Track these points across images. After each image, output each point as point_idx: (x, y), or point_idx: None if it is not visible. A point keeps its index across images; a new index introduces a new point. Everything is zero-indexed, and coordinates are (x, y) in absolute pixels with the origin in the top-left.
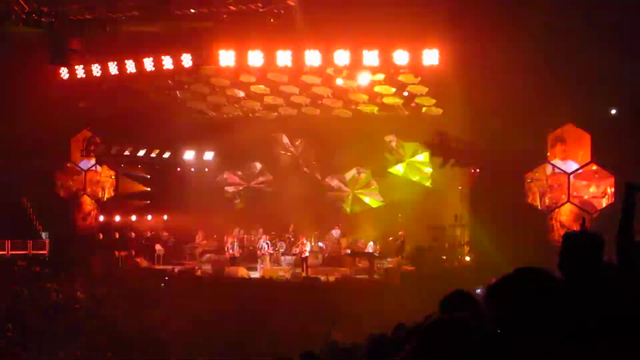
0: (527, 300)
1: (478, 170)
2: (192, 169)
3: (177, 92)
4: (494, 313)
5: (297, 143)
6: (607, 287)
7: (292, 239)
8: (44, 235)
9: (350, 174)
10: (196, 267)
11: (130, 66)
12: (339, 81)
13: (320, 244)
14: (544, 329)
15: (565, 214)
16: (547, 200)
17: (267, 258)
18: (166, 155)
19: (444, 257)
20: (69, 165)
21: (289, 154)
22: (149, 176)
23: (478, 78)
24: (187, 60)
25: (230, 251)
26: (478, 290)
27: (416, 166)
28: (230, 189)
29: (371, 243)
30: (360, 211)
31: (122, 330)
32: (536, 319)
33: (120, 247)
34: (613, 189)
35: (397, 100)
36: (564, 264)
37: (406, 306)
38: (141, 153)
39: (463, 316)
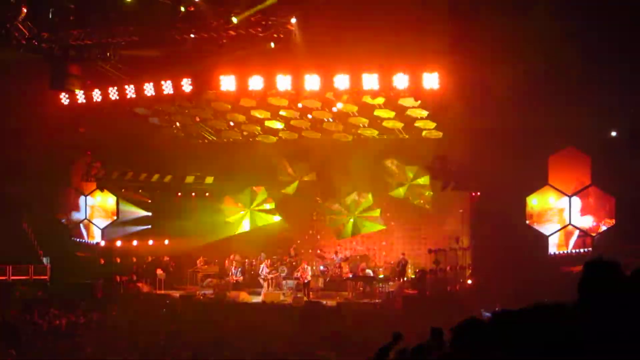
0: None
1: (478, 193)
2: (193, 194)
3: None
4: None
5: (297, 167)
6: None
7: (293, 263)
8: (45, 260)
9: (351, 197)
10: (198, 292)
11: (131, 91)
12: (339, 105)
13: (322, 267)
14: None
15: (567, 236)
16: (547, 223)
17: (269, 282)
18: (167, 179)
19: (446, 281)
20: (69, 190)
21: (289, 178)
22: (149, 201)
23: (478, 101)
24: (187, 85)
25: (235, 276)
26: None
27: (417, 190)
28: (230, 213)
29: (368, 271)
30: (361, 235)
31: (124, 356)
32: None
33: (121, 272)
34: (614, 210)
35: (397, 124)
36: (584, 292)
37: (408, 330)
38: (142, 177)
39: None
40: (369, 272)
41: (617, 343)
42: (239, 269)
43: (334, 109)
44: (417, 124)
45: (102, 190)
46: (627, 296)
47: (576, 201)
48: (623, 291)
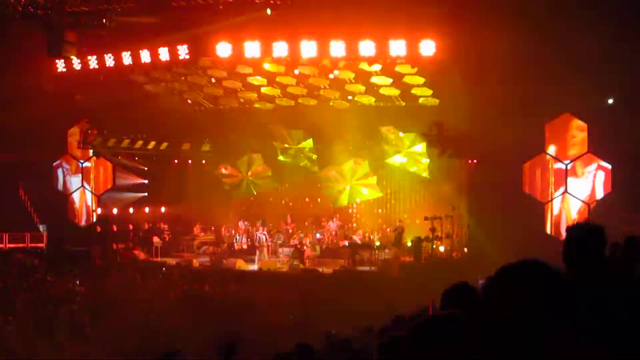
0: (530, 294)
1: (475, 160)
2: (189, 161)
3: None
4: (493, 306)
5: (294, 134)
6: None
7: (290, 231)
8: (41, 228)
9: (348, 165)
10: (194, 259)
11: (127, 58)
12: (336, 72)
13: (318, 235)
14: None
15: (563, 205)
16: (544, 191)
17: (265, 250)
18: (163, 147)
19: (442, 248)
20: (66, 157)
21: (286, 145)
22: (146, 168)
23: (475, 68)
24: (183, 51)
25: (238, 242)
26: (480, 281)
27: (414, 157)
28: (227, 181)
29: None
30: (358, 202)
31: (121, 323)
32: (538, 312)
33: (118, 240)
34: (611, 178)
35: (394, 91)
36: (568, 256)
37: (405, 297)
38: (138, 145)
39: (455, 313)
40: (369, 237)
41: (602, 307)
42: (243, 236)
43: (331, 76)
44: (414, 91)
45: (98, 157)
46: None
47: (573, 168)
48: (604, 255)
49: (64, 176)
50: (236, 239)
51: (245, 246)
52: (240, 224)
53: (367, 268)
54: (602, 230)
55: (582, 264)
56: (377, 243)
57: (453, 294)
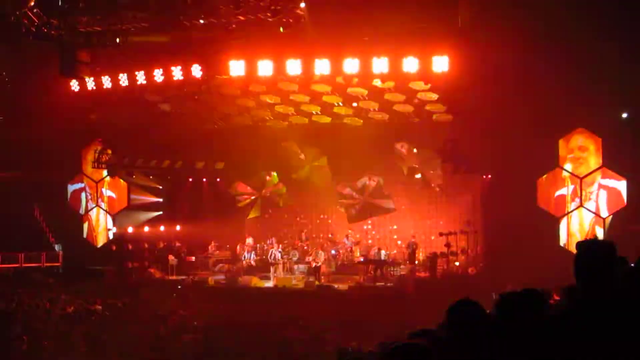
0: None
1: (489, 176)
2: (204, 179)
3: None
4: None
5: (308, 152)
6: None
7: (305, 248)
8: (57, 247)
9: (362, 181)
10: (209, 277)
11: (141, 77)
12: (349, 89)
13: (333, 251)
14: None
15: (578, 219)
16: (558, 205)
17: (280, 267)
18: (177, 165)
19: (457, 263)
20: (81, 177)
21: (300, 163)
22: (160, 187)
23: (488, 84)
24: (196, 70)
25: (247, 260)
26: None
27: (429, 173)
28: (242, 198)
29: (383, 252)
30: (372, 219)
31: (136, 341)
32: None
33: (133, 259)
34: (625, 192)
35: (408, 108)
36: (578, 271)
37: (420, 313)
38: (152, 164)
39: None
40: (384, 253)
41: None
42: (252, 253)
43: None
44: (428, 107)
45: (113, 176)
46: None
47: (587, 183)
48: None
49: (79, 195)
50: (244, 256)
51: (253, 262)
52: (249, 240)
53: (382, 284)
54: (611, 245)
55: (591, 278)
56: (392, 259)
57: (459, 310)
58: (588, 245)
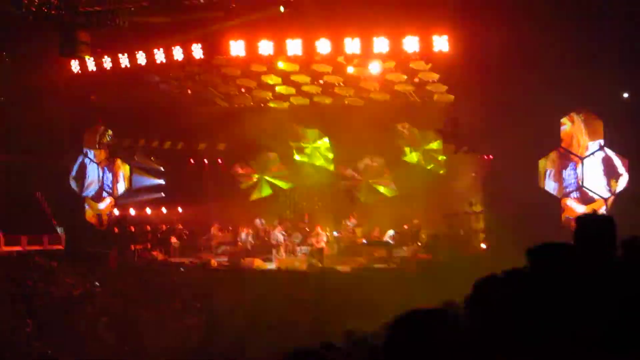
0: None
1: (491, 156)
2: (205, 160)
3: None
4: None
5: (309, 133)
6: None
7: (307, 230)
8: (59, 229)
9: (363, 162)
10: (212, 259)
11: (141, 58)
12: (350, 69)
13: (336, 233)
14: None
15: (579, 199)
16: (560, 186)
17: (282, 249)
18: (179, 146)
19: (460, 245)
20: (82, 159)
21: (301, 144)
22: (162, 168)
23: (489, 63)
24: (197, 50)
25: (242, 242)
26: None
27: (430, 154)
28: (243, 180)
29: (390, 232)
30: (375, 200)
31: (139, 324)
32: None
33: (136, 241)
34: (627, 173)
35: (409, 88)
36: (578, 247)
37: (422, 294)
38: (154, 145)
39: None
40: (389, 234)
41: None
42: (249, 235)
43: (350, 69)
44: (429, 87)
45: (114, 158)
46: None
47: (588, 163)
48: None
49: (80, 177)
50: (241, 237)
51: (249, 246)
52: (257, 222)
53: (385, 266)
54: (611, 221)
55: (591, 253)
56: (395, 240)
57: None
58: (587, 220)
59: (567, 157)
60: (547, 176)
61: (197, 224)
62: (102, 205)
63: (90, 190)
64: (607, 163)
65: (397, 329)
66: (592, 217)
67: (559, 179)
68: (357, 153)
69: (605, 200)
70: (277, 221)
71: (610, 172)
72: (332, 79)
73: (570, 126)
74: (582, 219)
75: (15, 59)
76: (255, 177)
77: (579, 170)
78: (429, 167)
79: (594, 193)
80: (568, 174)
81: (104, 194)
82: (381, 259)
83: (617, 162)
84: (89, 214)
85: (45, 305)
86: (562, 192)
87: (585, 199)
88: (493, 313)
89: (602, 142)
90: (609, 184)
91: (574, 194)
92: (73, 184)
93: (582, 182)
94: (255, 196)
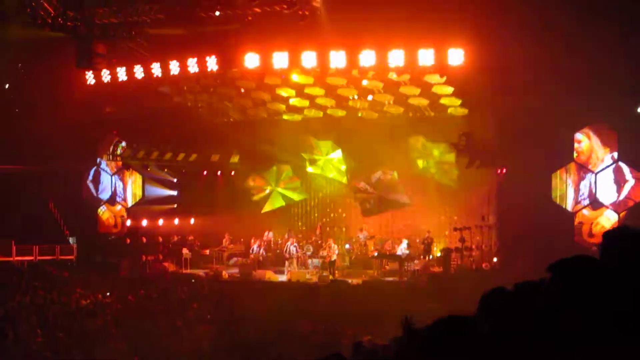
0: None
1: (504, 170)
2: (219, 172)
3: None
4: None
5: (323, 145)
6: None
7: (319, 242)
8: (71, 240)
9: (377, 175)
10: (223, 271)
11: (156, 70)
12: (365, 82)
13: (348, 246)
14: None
15: (592, 214)
16: (574, 200)
17: (295, 261)
18: (192, 158)
19: (472, 259)
20: (95, 169)
21: (314, 156)
22: (175, 180)
23: (503, 78)
24: (212, 63)
25: (255, 253)
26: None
27: (443, 167)
28: (256, 192)
29: (404, 245)
30: (388, 213)
31: (150, 335)
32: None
33: (147, 252)
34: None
35: (423, 101)
36: (606, 263)
37: (433, 308)
38: (167, 157)
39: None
40: (403, 247)
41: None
42: (262, 248)
43: (364, 82)
44: (443, 100)
45: (127, 169)
46: None
47: (603, 177)
48: None
49: (94, 188)
50: (253, 249)
51: (261, 258)
52: (266, 234)
53: (396, 279)
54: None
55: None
56: (406, 253)
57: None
58: (617, 234)
59: (582, 170)
60: (561, 190)
61: (208, 236)
62: (118, 207)
63: (104, 195)
64: (619, 175)
65: (435, 335)
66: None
67: (575, 193)
68: (371, 166)
69: (619, 213)
70: (287, 234)
71: (622, 184)
72: (346, 92)
73: (588, 143)
74: (610, 233)
75: (30, 70)
76: (268, 188)
77: (592, 182)
78: (442, 181)
79: (607, 207)
80: (583, 186)
81: (117, 198)
82: (392, 272)
83: (629, 174)
84: (106, 215)
85: (57, 315)
86: (576, 206)
87: (596, 208)
88: (502, 327)
89: (615, 154)
90: (620, 196)
91: (586, 202)
92: (90, 186)
93: (595, 194)
94: (267, 208)
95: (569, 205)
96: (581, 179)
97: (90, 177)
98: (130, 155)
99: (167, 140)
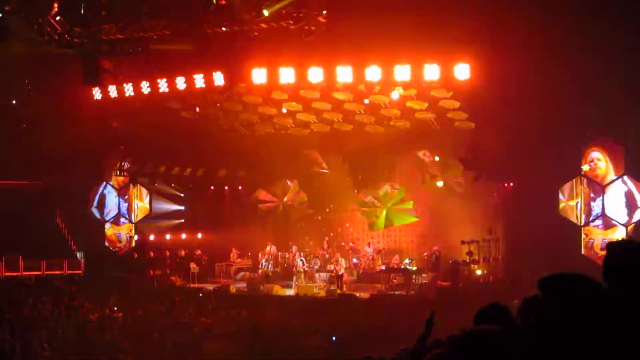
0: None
1: (511, 184)
2: (226, 187)
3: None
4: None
5: (329, 159)
6: None
7: (326, 256)
8: (78, 255)
9: (384, 189)
10: (231, 285)
11: (163, 85)
12: (371, 97)
13: (355, 260)
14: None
15: (600, 228)
16: (581, 214)
17: (302, 275)
18: (199, 173)
19: (479, 272)
20: (103, 184)
21: (322, 170)
22: (182, 195)
23: (510, 92)
24: (219, 78)
25: (264, 269)
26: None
27: (450, 181)
28: (263, 206)
29: (407, 260)
30: (394, 227)
31: (158, 349)
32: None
33: (155, 266)
34: None
35: (430, 115)
36: (609, 274)
37: (441, 322)
38: (174, 172)
39: (495, 328)
40: (408, 262)
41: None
42: (270, 262)
43: (366, 101)
44: (450, 115)
45: (135, 184)
46: None
47: (610, 191)
48: None
49: (101, 203)
50: (262, 264)
51: (270, 273)
52: (271, 248)
53: (404, 292)
54: None
55: (623, 281)
56: (414, 267)
57: (487, 314)
58: (620, 246)
59: (591, 185)
60: (570, 204)
61: (216, 250)
62: (121, 225)
63: (110, 216)
64: (628, 191)
65: (462, 348)
66: (624, 242)
67: (585, 209)
68: (378, 180)
69: (626, 227)
70: (295, 247)
71: (630, 200)
72: (353, 107)
73: (605, 164)
74: (613, 244)
75: (37, 86)
76: (275, 203)
77: (600, 198)
78: (449, 195)
79: (615, 221)
80: (593, 202)
81: (122, 220)
82: (400, 286)
83: (636, 191)
84: (109, 232)
85: (64, 329)
86: (585, 221)
87: (606, 225)
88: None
89: (623, 171)
90: (629, 212)
91: (597, 222)
92: (95, 212)
93: (605, 210)
94: (274, 223)
95: (580, 222)
96: (592, 199)
97: (95, 203)
98: (138, 170)
99: (174, 155)
